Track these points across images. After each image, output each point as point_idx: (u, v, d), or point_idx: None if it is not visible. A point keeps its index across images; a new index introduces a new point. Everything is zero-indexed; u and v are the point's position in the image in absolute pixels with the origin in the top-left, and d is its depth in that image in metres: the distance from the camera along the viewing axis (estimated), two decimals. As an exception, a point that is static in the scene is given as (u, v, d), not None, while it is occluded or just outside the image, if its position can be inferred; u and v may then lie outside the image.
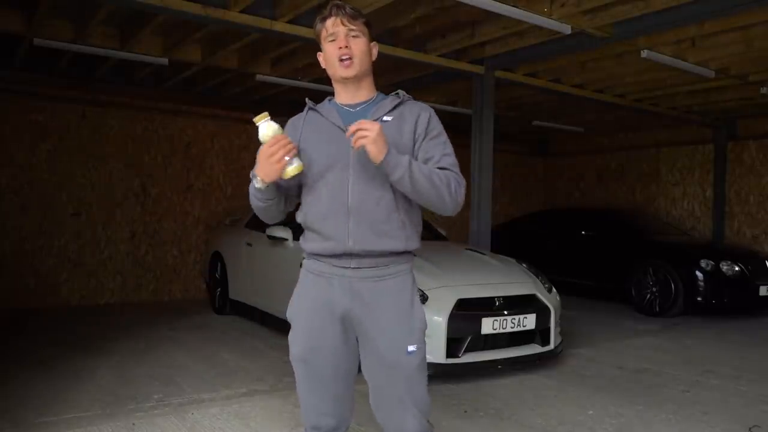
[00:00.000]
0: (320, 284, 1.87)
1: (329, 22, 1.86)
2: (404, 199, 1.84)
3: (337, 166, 1.83)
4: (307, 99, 2.00)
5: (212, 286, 7.06)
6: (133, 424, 3.36)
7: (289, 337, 1.95)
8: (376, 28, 5.82)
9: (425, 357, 1.89)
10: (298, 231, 6.16)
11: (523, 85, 6.98)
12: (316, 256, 1.88)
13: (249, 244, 6.23)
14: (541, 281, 4.92)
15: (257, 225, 6.33)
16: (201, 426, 3.35)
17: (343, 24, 1.84)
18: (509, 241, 8.57)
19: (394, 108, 1.90)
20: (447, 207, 1.82)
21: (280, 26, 4.94)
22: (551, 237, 9.02)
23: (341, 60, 1.84)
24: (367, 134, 1.67)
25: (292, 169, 1.77)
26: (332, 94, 1.99)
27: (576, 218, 9.06)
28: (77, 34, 5.52)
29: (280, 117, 1.91)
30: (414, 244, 1.88)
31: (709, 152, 9.74)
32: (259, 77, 6.79)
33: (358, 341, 1.89)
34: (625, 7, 4.70)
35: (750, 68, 6.48)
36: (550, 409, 3.78)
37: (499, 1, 4.49)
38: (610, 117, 9.52)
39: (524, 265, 5.17)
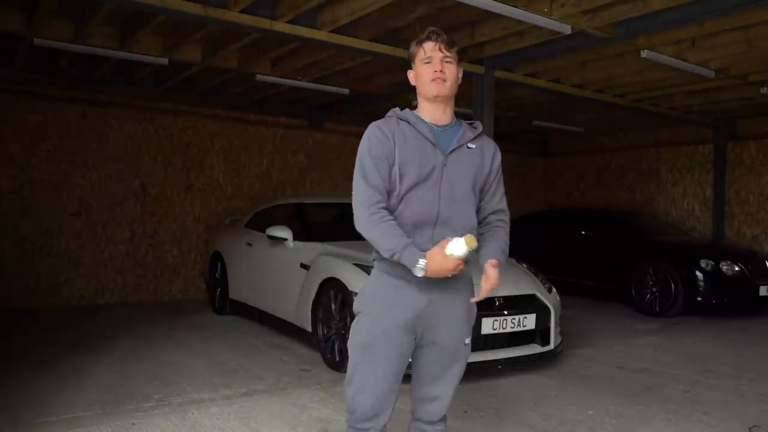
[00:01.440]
0: (397, 283, 2.01)
1: (428, 45, 2.03)
2: (476, 213, 2.12)
3: (429, 181, 1.99)
4: (397, 109, 2.10)
5: (212, 286, 7.06)
6: (133, 423, 3.36)
7: (354, 324, 2.10)
8: (376, 28, 5.82)
9: None
10: (297, 231, 6.15)
11: (523, 85, 6.97)
12: None
13: (249, 244, 6.23)
14: (541, 281, 4.92)
15: (257, 225, 6.33)
16: (201, 426, 3.36)
17: (440, 50, 2.02)
18: (509, 240, 8.55)
19: (476, 137, 2.10)
20: None
21: (280, 26, 4.94)
22: (551, 237, 9.02)
23: (435, 79, 2.00)
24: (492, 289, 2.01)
25: None
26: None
27: (576, 218, 9.06)
28: (77, 34, 5.52)
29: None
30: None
31: (709, 152, 9.74)
32: (259, 77, 6.79)
33: (419, 335, 2.06)
34: (625, 7, 4.70)
35: (750, 68, 6.48)
36: (550, 409, 3.78)
37: (499, 1, 4.49)
38: (610, 117, 9.51)
39: (524, 265, 5.17)
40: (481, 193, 2.12)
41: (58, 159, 7.27)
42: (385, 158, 1.98)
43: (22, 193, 7.07)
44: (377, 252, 2.04)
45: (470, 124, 2.12)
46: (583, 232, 8.56)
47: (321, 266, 4.81)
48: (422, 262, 1.86)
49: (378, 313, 2.03)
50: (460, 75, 2.09)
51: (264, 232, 5.71)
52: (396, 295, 2.01)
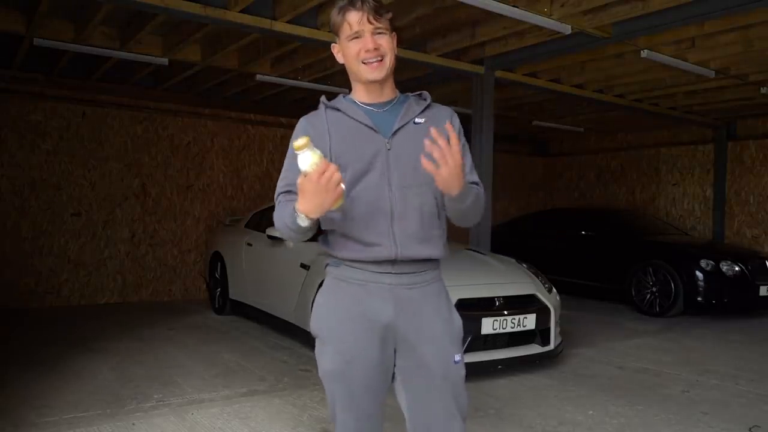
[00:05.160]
0: (355, 293, 1.70)
1: (353, 17, 1.64)
2: (441, 206, 1.73)
3: (374, 171, 1.68)
4: (323, 98, 1.80)
5: (212, 286, 7.06)
6: (133, 424, 3.36)
7: (315, 351, 1.76)
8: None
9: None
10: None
11: (523, 85, 6.98)
12: (351, 262, 1.71)
13: (249, 244, 6.23)
14: (541, 281, 4.91)
15: (257, 225, 6.33)
16: (201, 426, 3.36)
17: (369, 22, 1.64)
18: (509, 241, 8.57)
19: (424, 110, 1.77)
20: (473, 223, 1.79)
21: (280, 26, 4.94)
22: (551, 237, 9.02)
23: (369, 62, 1.67)
24: (450, 169, 1.52)
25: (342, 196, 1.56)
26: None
27: (576, 218, 9.05)
28: (77, 34, 5.52)
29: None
30: (446, 250, 1.79)
31: (709, 152, 9.75)
32: (259, 77, 6.79)
33: (395, 353, 1.73)
34: (624, 7, 4.70)
35: (750, 68, 6.48)
36: (550, 409, 3.78)
37: (499, 1, 4.49)
38: (610, 117, 9.52)
39: (524, 265, 5.17)
40: None
41: (58, 159, 7.27)
42: None
43: (22, 193, 7.07)
44: (329, 256, 1.76)
45: (418, 95, 1.81)
46: (583, 232, 8.55)
47: (321, 266, 4.81)
48: (296, 206, 1.53)
49: (337, 330, 1.70)
50: (395, 43, 1.71)
51: (264, 232, 5.71)
52: (353, 305, 1.69)
